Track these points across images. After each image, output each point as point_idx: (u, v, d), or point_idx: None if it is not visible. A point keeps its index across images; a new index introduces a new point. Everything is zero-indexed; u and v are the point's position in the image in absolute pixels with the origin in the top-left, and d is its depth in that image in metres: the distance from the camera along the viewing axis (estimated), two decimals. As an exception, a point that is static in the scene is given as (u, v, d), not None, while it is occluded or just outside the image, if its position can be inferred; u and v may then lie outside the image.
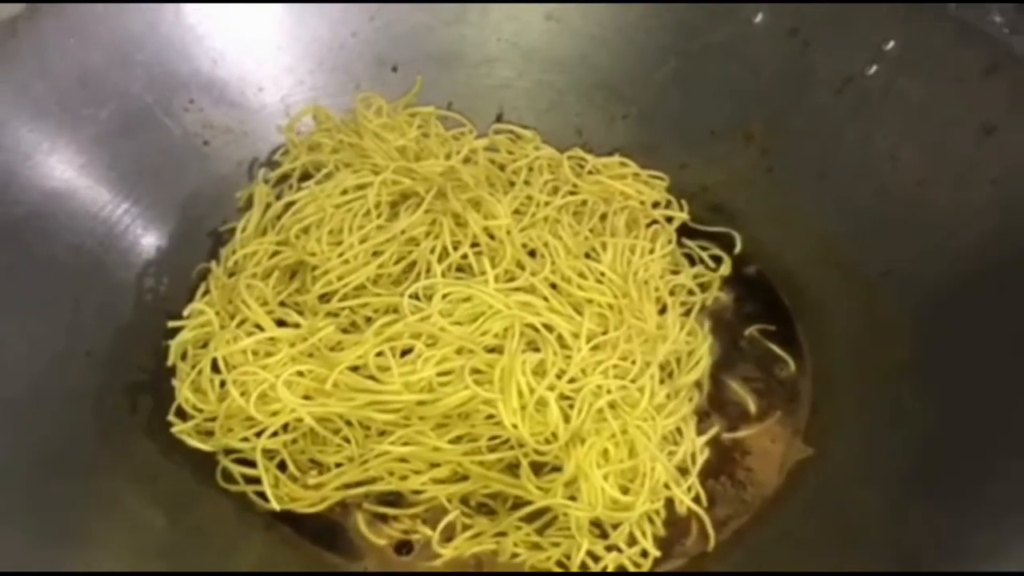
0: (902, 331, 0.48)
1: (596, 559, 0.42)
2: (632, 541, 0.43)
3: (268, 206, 0.51)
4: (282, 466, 0.44)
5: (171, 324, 0.47)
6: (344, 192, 0.49)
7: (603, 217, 0.51)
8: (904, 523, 0.40)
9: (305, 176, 0.52)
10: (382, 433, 0.43)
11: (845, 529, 0.42)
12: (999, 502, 0.38)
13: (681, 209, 0.55)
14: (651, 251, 0.51)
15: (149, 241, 0.51)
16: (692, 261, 0.54)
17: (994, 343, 0.44)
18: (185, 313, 0.47)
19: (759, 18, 0.55)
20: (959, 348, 0.45)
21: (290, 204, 0.50)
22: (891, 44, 0.51)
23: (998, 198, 0.47)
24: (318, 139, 0.54)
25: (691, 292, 0.52)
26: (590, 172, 0.55)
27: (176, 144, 0.53)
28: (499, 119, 0.59)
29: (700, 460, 0.46)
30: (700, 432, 0.47)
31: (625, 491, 0.42)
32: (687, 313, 0.50)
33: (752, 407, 0.49)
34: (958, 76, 0.49)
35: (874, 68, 0.52)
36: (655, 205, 0.55)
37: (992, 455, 0.40)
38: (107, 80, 0.51)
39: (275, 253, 0.48)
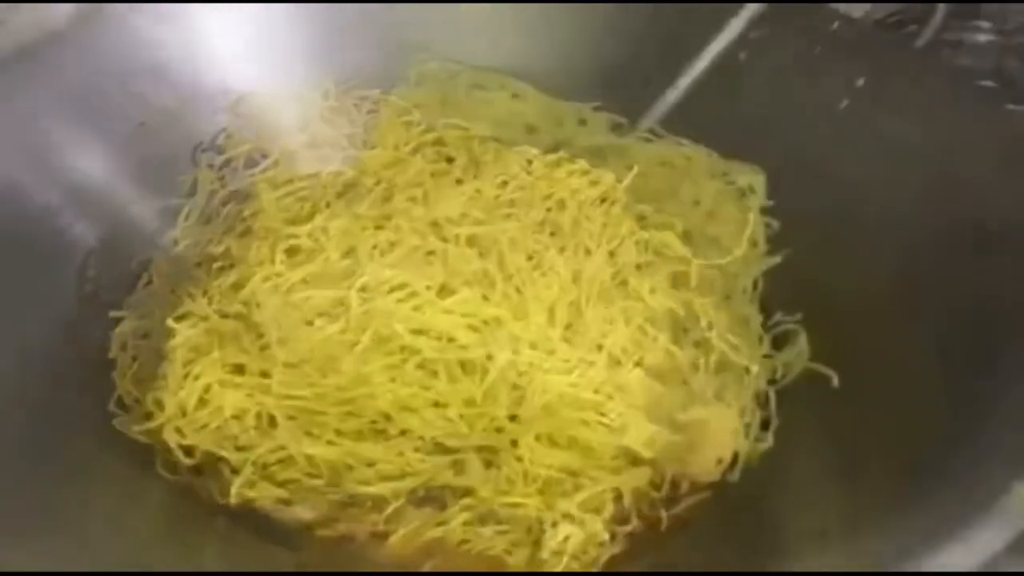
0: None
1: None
2: (581, 524, 0.43)
3: (212, 193, 0.50)
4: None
5: (112, 315, 0.46)
6: (290, 181, 0.48)
7: (552, 211, 0.51)
8: (854, 516, 0.40)
9: (250, 162, 0.51)
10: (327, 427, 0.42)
11: (791, 521, 0.42)
12: (941, 498, 0.37)
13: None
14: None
15: (85, 228, 0.49)
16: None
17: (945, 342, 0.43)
18: (127, 304, 0.46)
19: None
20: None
21: (235, 192, 0.49)
22: (861, 81, 0.52)
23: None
24: (263, 124, 0.52)
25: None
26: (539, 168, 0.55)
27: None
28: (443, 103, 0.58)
29: (658, 445, 0.45)
30: (654, 417, 0.46)
31: (574, 475, 0.42)
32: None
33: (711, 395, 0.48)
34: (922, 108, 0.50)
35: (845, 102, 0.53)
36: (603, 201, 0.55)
37: (936, 448, 0.40)
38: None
39: (219, 242, 0.47)
